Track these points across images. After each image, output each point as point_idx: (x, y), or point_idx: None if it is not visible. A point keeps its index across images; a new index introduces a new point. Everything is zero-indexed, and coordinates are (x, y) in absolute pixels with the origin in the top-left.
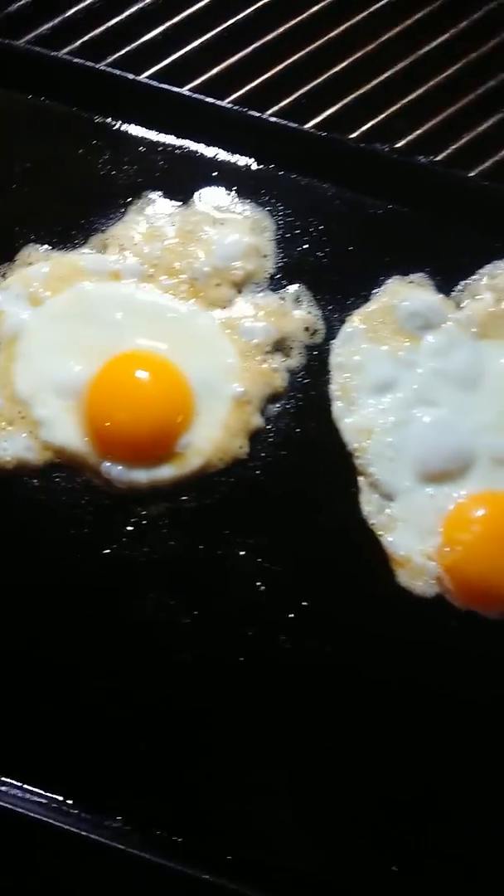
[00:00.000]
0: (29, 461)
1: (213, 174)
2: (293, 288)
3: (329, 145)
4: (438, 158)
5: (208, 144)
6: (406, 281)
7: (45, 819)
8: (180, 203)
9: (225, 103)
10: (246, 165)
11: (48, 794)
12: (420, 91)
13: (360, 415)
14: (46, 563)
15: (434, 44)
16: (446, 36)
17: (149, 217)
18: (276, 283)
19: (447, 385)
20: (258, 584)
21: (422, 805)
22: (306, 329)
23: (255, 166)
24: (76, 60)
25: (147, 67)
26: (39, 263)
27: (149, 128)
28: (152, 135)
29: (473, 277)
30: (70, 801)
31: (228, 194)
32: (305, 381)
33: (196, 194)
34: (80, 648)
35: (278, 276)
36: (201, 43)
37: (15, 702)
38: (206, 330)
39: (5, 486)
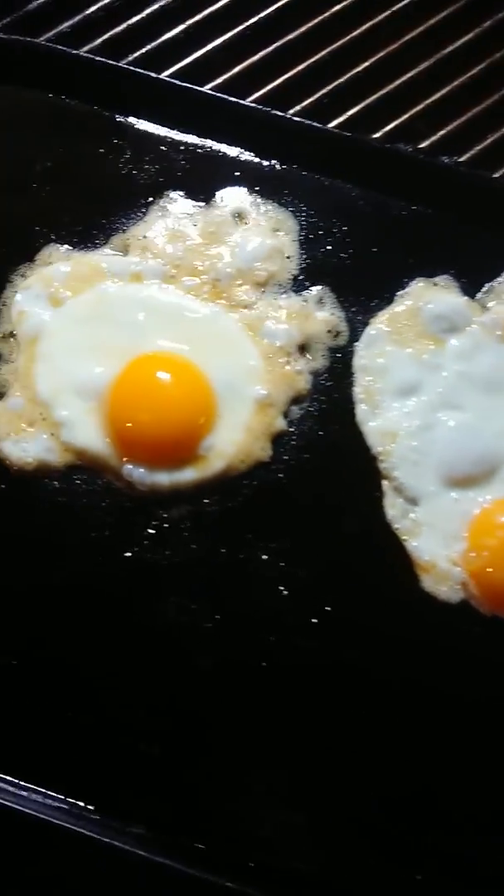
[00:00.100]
0: (50, 463)
1: (236, 174)
2: (316, 289)
3: (353, 145)
4: (462, 159)
5: (230, 144)
6: (430, 283)
7: (56, 821)
8: (202, 203)
9: (247, 102)
10: (268, 165)
11: (70, 800)
12: (444, 91)
13: (384, 418)
14: (67, 566)
15: (458, 43)
16: (470, 35)
17: (170, 217)
18: (298, 285)
19: (472, 389)
20: (281, 588)
21: (435, 809)
22: (329, 331)
23: (277, 166)
24: (97, 59)
25: (168, 66)
26: (60, 263)
27: (170, 127)
28: (174, 134)
29: (499, 279)
30: (91, 807)
31: (251, 194)
32: (328, 383)
33: (218, 194)
34: (100, 652)
35: (301, 277)
36: (223, 42)
37: (32, 704)
38: (228, 331)
39: (26, 488)
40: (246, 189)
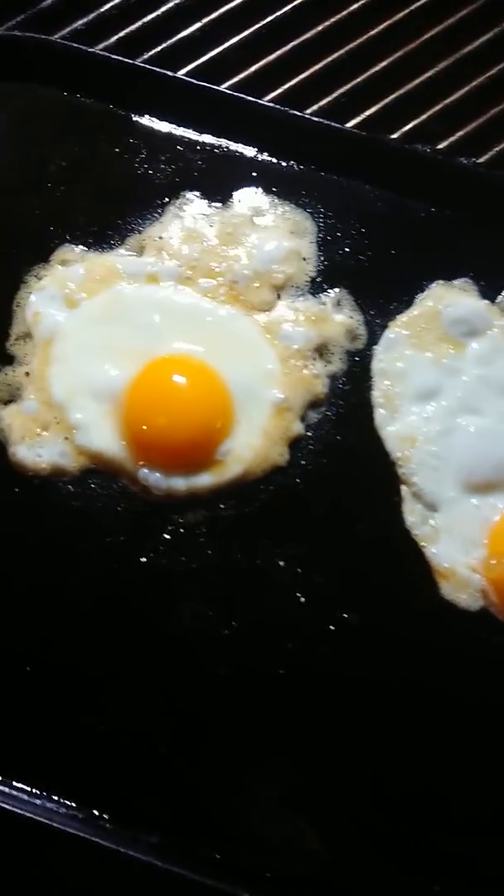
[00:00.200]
0: (64, 467)
1: (252, 174)
2: (334, 292)
3: (371, 145)
4: (481, 160)
5: (247, 144)
6: (450, 286)
7: (70, 830)
8: (218, 204)
9: (264, 102)
10: (286, 166)
11: (86, 809)
12: (462, 91)
13: (403, 423)
14: (81, 571)
15: (476, 43)
16: (489, 35)
17: (186, 218)
18: (316, 287)
19: (492, 393)
20: (298, 595)
21: (448, 814)
22: (348, 334)
23: (295, 167)
24: (113, 57)
25: (183, 65)
26: (75, 264)
27: (186, 126)
28: (190, 133)
29: None
30: (106, 816)
31: (268, 195)
32: (346, 387)
33: (234, 195)
34: (115, 659)
35: (319, 279)
36: (239, 40)
37: (45, 709)
38: (245, 334)
39: (40, 492)
40: (263, 190)
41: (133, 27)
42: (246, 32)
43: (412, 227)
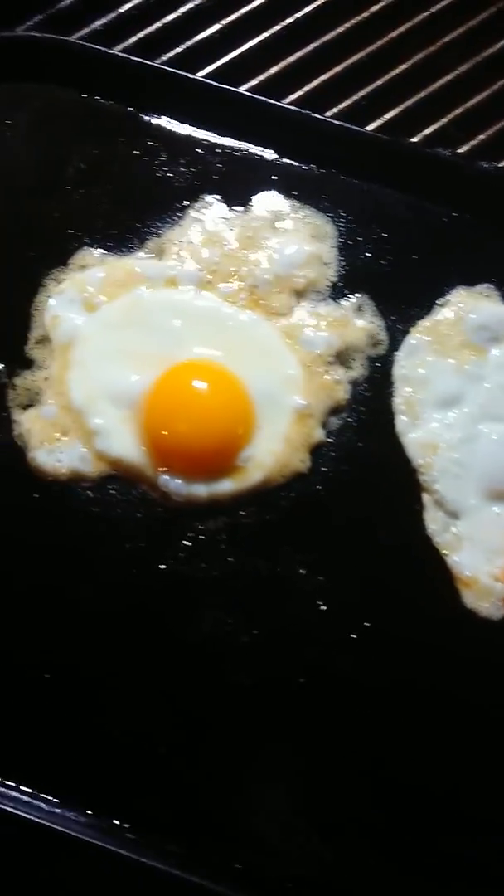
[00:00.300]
0: (84, 472)
1: (272, 178)
2: (355, 297)
3: (392, 149)
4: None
5: (267, 147)
6: (472, 291)
7: (85, 838)
8: (238, 207)
9: (284, 104)
10: (306, 169)
11: (107, 819)
12: (483, 95)
13: (424, 430)
14: (100, 578)
15: (498, 46)
16: None
17: (206, 221)
18: (337, 292)
19: None
20: (319, 602)
21: (462, 818)
22: (369, 339)
23: (315, 170)
24: (133, 58)
25: (202, 67)
26: (94, 268)
27: (206, 129)
28: (210, 136)
29: None
30: (127, 826)
31: (288, 199)
32: (368, 393)
33: (255, 198)
34: (133, 666)
35: (340, 284)
36: (258, 42)
37: (64, 717)
38: (266, 339)
39: (59, 498)
40: (283, 193)
41: (152, 28)
42: (266, 34)
43: (433, 231)
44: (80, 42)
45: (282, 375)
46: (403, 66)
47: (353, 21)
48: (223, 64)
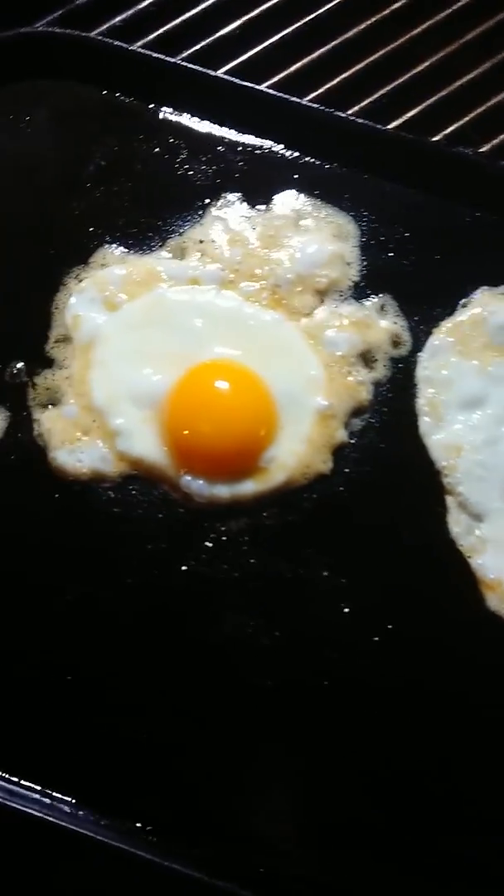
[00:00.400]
0: (105, 472)
1: (294, 176)
2: (378, 297)
3: (415, 148)
4: None
5: (288, 145)
6: (495, 292)
7: (100, 837)
8: (260, 206)
9: (306, 101)
10: (328, 167)
11: (130, 822)
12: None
13: (448, 431)
14: (121, 578)
15: None
16: None
17: (228, 220)
18: (359, 292)
19: None
20: (342, 605)
21: (475, 820)
22: (392, 340)
23: (338, 169)
24: (154, 55)
25: (221, 64)
26: (115, 266)
27: (227, 127)
28: (231, 134)
29: None
30: (150, 829)
31: (310, 198)
32: (390, 395)
33: (276, 197)
34: (154, 668)
35: (362, 284)
36: (278, 40)
37: (84, 717)
38: (289, 339)
39: (79, 498)
40: (305, 192)
41: (171, 25)
42: (286, 31)
43: (457, 231)
44: (101, 38)
45: (304, 376)
46: (424, 65)
47: (373, 19)
48: (242, 61)
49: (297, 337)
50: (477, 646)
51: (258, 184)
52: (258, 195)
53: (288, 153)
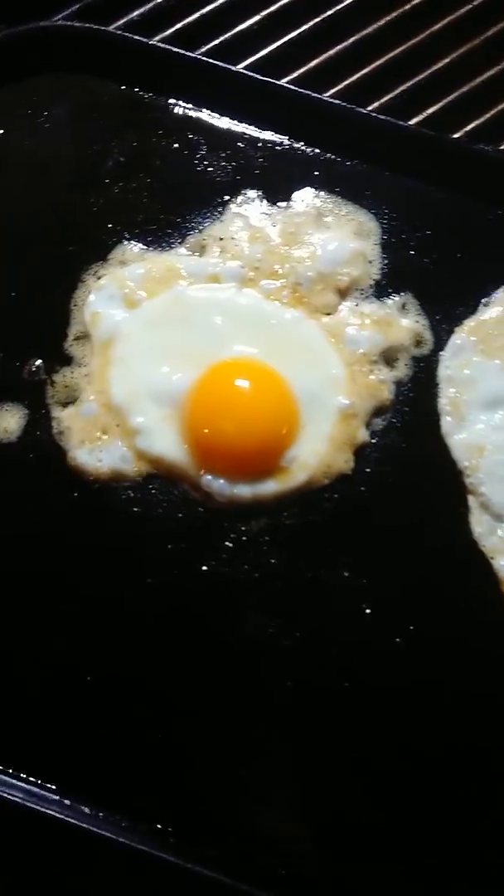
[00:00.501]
0: (125, 471)
1: (315, 173)
2: (399, 296)
3: (437, 144)
4: None
5: (308, 141)
6: None
7: (123, 840)
8: (280, 203)
9: (326, 97)
10: (349, 164)
11: (149, 825)
12: None
13: (470, 431)
14: (141, 578)
15: None
16: None
17: (248, 217)
18: (381, 290)
19: None
20: (363, 605)
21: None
22: (413, 339)
23: (358, 166)
24: (174, 50)
25: (240, 59)
26: (134, 263)
27: (247, 122)
28: (251, 130)
29: None
30: (167, 829)
31: (330, 195)
32: (412, 394)
33: (296, 194)
34: (173, 668)
35: (383, 282)
36: (297, 35)
37: (104, 719)
38: (310, 338)
39: (99, 497)
40: (325, 189)
41: (189, 19)
42: (305, 27)
43: (478, 229)
44: (120, 33)
45: (326, 375)
46: (444, 62)
47: (393, 15)
48: (260, 57)
49: (318, 335)
50: (500, 647)
51: (278, 180)
52: (278, 192)
53: (308, 149)
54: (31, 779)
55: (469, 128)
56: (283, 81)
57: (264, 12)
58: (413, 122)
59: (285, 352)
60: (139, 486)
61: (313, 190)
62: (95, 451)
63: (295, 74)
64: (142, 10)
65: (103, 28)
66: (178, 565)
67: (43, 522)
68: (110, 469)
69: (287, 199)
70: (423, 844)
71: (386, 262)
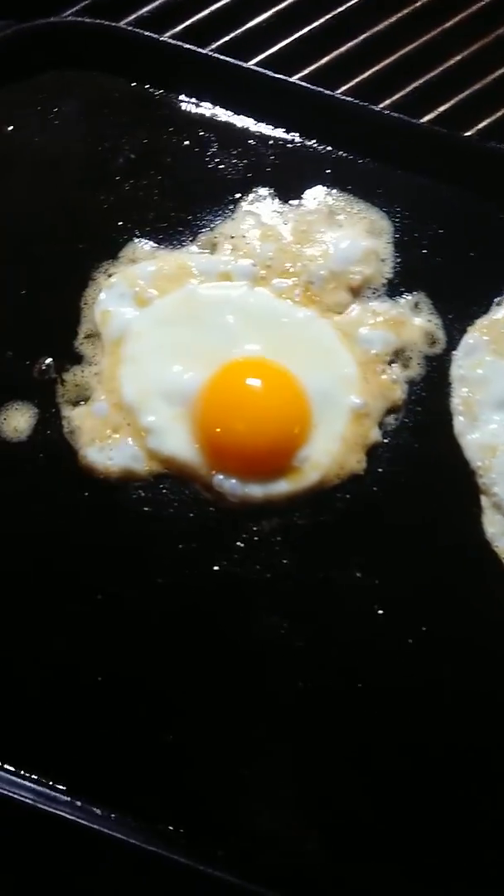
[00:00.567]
0: (135, 470)
1: (326, 171)
2: (412, 294)
3: (449, 142)
4: None
5: (320, 139)
6: None
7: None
8: (292, 201)
9: (338, 94)
10: (361, 162)
11: (159, 826)
12: None
13: (483, 431)
14: (151, 578)
15: None
16: None
17: (260, 215)
18: (393, 289)
19: None
20: (375, 607)
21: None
22: (426, 338)
23: (371, 164)
24: (185, 46)
25: (251, 56)
26: (145, 261)
27: (258, 119)
28: (262, 127)
29: None
30: (176, 830)
31: (342, 193)
32: (424, 393)
33: (308, 192)
34: (184, 669)
35: (396, 281)
36: (310, 31)
37: (115, 720)
38: (323, 337)
39: (109, 497)
40: (337, 187)
41: (200, 15)
42: (316, 23)
43: (491, 228)
44: (131, 29)
45: (338, 374)
46: (455, 59)
47: (404, 12)
48: (272, 53)
49: (330, 334)
50: None
51: (290, 178)
52: (290, 190)
53: (320, 147)
54: (41, 779)
55: (481, 125)
56: (294, 78)
57: (275, 8)
58: (425, 119)
59: (297, 351)
60: (150, 486)
61: (325, 188)
62: (106, 450)
63: (306, 71)
64: (151, 6)
65: (113, 24)
66: (189, 565)
67: (53, 522)
68: (121, 468)
69: (299, 196)
70: (424, 844)
71: (398, 260)
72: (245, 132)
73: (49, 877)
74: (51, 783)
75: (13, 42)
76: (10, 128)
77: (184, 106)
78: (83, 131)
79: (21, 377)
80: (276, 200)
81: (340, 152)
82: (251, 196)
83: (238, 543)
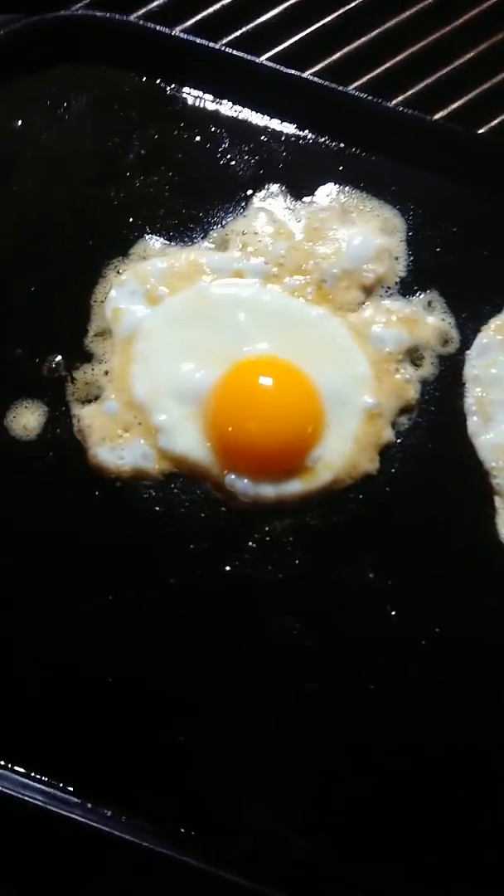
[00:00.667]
0: (146, 470)
1: (339, 168)
2: (425, 293)
3: (462, 140)
4: None
5: (333, 135)
6: None
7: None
8: (304, 198)
9: (350, 90)
10: (374, 160)
11: (172, 823)
12: None
13: (497, 431)
14: (163, 578)
15: None
16: None
17: (272, 212)
18: (406, 288)
19: None
20: (388, 607)
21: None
22: (440, 337)
23: (384, 161)
24: (197, 41)
25: (261, 52)
26: (156, 259)
27: (270, 115)
28: (274, 123)
29: None
30: (184, 830)
31: (355, 190)
32: (438, 393)
33: (320, 189)
34: (196, 670)
35: (409, 279)
36: (322, 26)
37: (127, 721)
38: (336, 336)
39: (120, 496)
40: (350, 184)
41: (211, 10)
42: (327, 19)
43: None
44: (142, 23)
45: (351, 373)
46: (468, 56)
47: (416, 8)
48: (284, 49)
49: (343, 333)
50: None
51: (302, 175)
52: (302, 187)
53: (332, 144)
54: (51, 780)
55: (494, 123)
56: (305, 74)
57: (287, 3)
58: (437, 117)
59: (310, 349)
60: (161, 485)
61: (337, 185)
62: (117, 449)
63: (317, 67)
64: (160, 0)
65: (124, 18)
66: (201, 565)
67: (63, 521)
68: (132, 467)
69: (311, 193)
70: (424, 844)
71: (411, 258)
72: (257, 128)
73: (58, 878)
74: (61, 785)
75: (22, 36)
76: (20, 123)
77: (195, 101)
78: (93, 127)
79: (31, 375)
80: (288, 197)
81: (353, 149)
82: (263, 193)
83: (250, 544)
